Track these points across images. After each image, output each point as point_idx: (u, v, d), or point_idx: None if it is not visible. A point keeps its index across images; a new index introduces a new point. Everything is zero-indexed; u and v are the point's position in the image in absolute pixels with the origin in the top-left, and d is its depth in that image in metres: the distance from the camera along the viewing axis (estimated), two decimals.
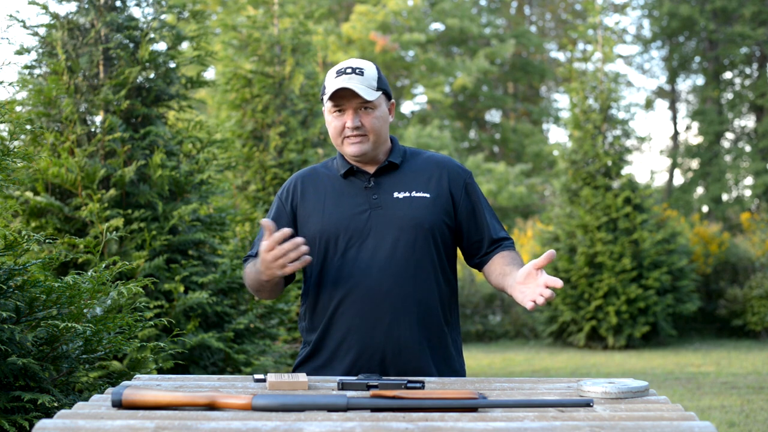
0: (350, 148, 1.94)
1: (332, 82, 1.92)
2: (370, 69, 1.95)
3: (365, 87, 1.91)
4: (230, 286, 4.00)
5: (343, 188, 1.98)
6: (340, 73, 1.92)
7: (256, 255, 2.03)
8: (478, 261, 2.03)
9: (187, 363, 3.66)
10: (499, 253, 1.99)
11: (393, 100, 2.04)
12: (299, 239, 1.76)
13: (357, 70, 1.92)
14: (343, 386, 1.59)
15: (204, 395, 1.42)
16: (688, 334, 10.11)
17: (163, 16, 4.10)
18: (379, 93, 1.94)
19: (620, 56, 22.47)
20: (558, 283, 1.69)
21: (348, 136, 1.93)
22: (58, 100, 3.78)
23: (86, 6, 3.92)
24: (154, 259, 3.63)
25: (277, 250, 1.75)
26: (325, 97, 1.94)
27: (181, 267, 3.73)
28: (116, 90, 3.82)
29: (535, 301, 1.72)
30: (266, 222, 1.76)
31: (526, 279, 1.77)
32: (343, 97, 1.91)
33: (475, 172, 17.23)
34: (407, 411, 1.38)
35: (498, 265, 1.95)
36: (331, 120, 1.96)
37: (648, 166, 36.42)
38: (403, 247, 1.92)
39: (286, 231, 1.75)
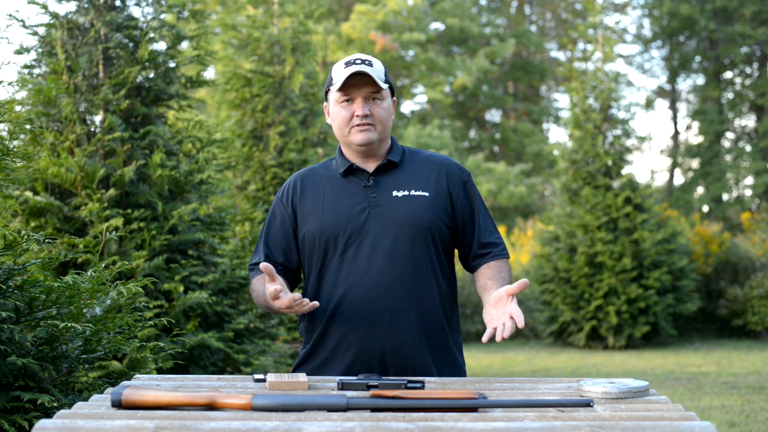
0: (358, 137, 1.94)
1: (342, 72, 1.93)
2: (378, 63, 1.97)
3: (375, 76, 1.92)
4: (230, 285, 3.99)
5: (342, 187, 1.98)
6: (349, 63, 1.93)
7: (264, 261, 2.02)
8: (471, 265, 2.04)
9: (187, 363, 3.66)
10: (487, 264, 2.00)
11: (395, 97, 2.04)
12: (297, 298, 1.74)
13: (366, 62, 1.94)
14: (343, 386, 1.59)
15: (204, 395, 1.42)
16: (688, 334, 10.10)
17: (162, 16, 4.09)
18: (387, 85, 1.97)
19: (620, 56, 22.47)
20: (520, 322, 1.69)
21: (356, 125, 1.93)
22: (57, 99, 3.77)
23: (86, 5, 3.91)
24: (154, 258, 3.63)
25: (282, 303, 1.75)
26: (334, 87, 1.94)
27: (180, 267, 3.72)
28: (116, 89, 3.82)
29: (494, 333, 1.72)
30: (264, 267, 1.74)
31: (497, 303, 1.79)
32: (353, 86, 1.92)
33: (475, 172, 17.22)
34: (407, 411, 1.38)
35: (482, 277, 1.97)
36: (339, 110, 1.96)
37: (648, 166, 36.46)
38: (402, 246, 1.92)
39: (278, 288, 1.74)
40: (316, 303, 1.79)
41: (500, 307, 1.77)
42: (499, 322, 1.73)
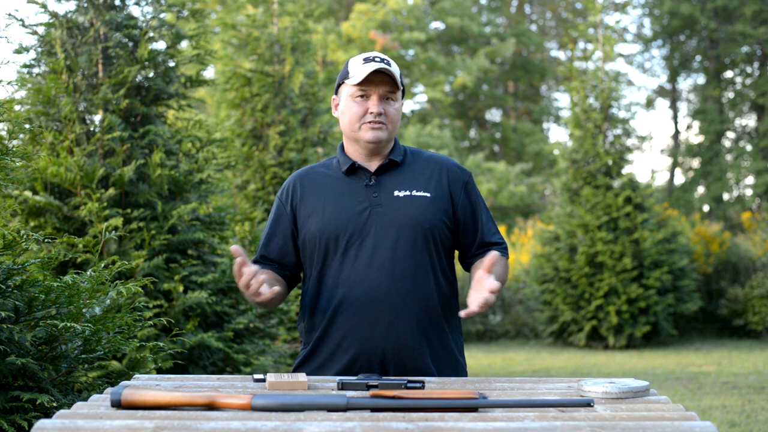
0: (368, 134, 1.94)
1: (362, 67, 1.92)
2: (394, 64, 1.98)
3: (395, 76, 1.93)
4: (230, 285, 3.99)
5: (344, 186, 1.98)
6: (368, 60, 1.93)
7: (256, 262, 2.02)
8: (468, 261, 2.04)
9: (187, 363, 3.65)
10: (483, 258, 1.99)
11: (404, 100, 2.05)
12: (253, 269, 1.74)
13: (385, 61, 1.95)
14: (343, 386, 1.58)
15: (203, 395, 1.42)
16: (689, 333, 10.10)
17: (162, 15, 4.09)
18: (401, 88, 1.98)
19: (621, 55, 22.46)
20: (493, 285, 1.69)
21: (368, 122, 1.93)
22: (57, 99, 3.77)
23: (85, 5, 3.91)
24: (154, 258, 3.63)
25: (241, 283, 1.75)
26: (351, 81, 1.93)
27: (180, 266, 3.72)
28: (115, 89, 3.81)
29: (471, 309, 1.72)
30: (234, 249, 1.73)
31: (477, 285, 1.77)
32: (372, 82, 1.92)
33: (475, 172, 17.22)
34: (407, 411, 1.37)
35: (475, 267, 1.97)
36: (352, 105, 1.95)
37: (649, 166, 36.46)
38: (403, 247, 1.91)
39: (240, 261, 1.73)
40: (276, 289, 1.76)
41: (479, 289, 1.75)
42: (476, 300, 1.73)
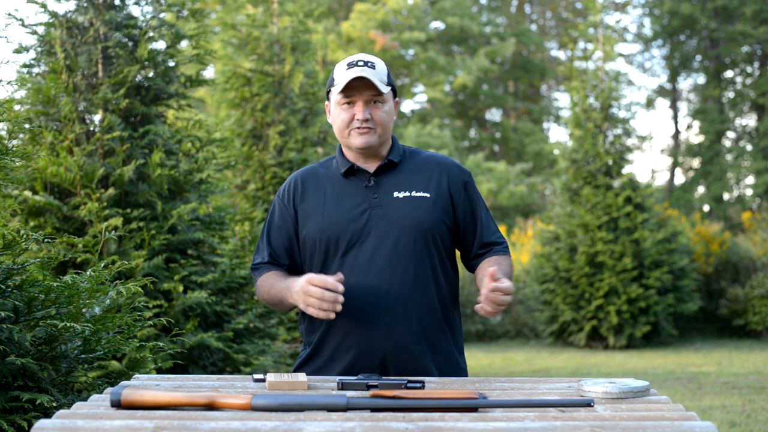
0: (357, 140, 1.93)
1: (344, 74, 1.91)
2: (381, 64, 1.95)
3: (377, 80, 1.91)
4: (229, 285, 3.99)
5: (343, 188, 1.97)
6: (351, 65, 1.91)
7: (267, 263, 2.01)
8: (471, 263, 2.05)
9: (187, 363, 3.65)
10: (488, 258, 2.00)
11: (398, 98, 2.03)
12: (341, 295, 1.75)
13: (369, 64, 1.92)
14: (343, 386, 1.58)
15: (203, 395, 1.41)
16: (689, 333, 10.10)
17: (162, 15, 4.09)
18: (389, 88, 1.95)
19: (621, 55, 22.46)
20: (504, 285, 1.72)
21: (356, 128, 1.92)
22: (56, 98, 3.77)
23: (85, 4, 3.91)
24: (153, 258, 3.62)
25: (318, 293, 1.75)
26: (336, 89, 1.92)
27: (180, 266, 3.72)
28: (115, 89, 3.81)
29: (483, 308, 1.76)
30: (339, 278, 1.77)
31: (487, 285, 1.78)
32: (355, 89, 1.90)
33: (475, 172, 17.21)
34: (407, 411, 1.37)
35: (481, 270, 1.97)
36: (339, 112, 1.94)
37: (649, 165, 36.44)
38: (403, 248, 1.91)
39: (340, 288, 1.75)
40: (332, 316, 1.79)
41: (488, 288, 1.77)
42: (486, 300, 1.76)
